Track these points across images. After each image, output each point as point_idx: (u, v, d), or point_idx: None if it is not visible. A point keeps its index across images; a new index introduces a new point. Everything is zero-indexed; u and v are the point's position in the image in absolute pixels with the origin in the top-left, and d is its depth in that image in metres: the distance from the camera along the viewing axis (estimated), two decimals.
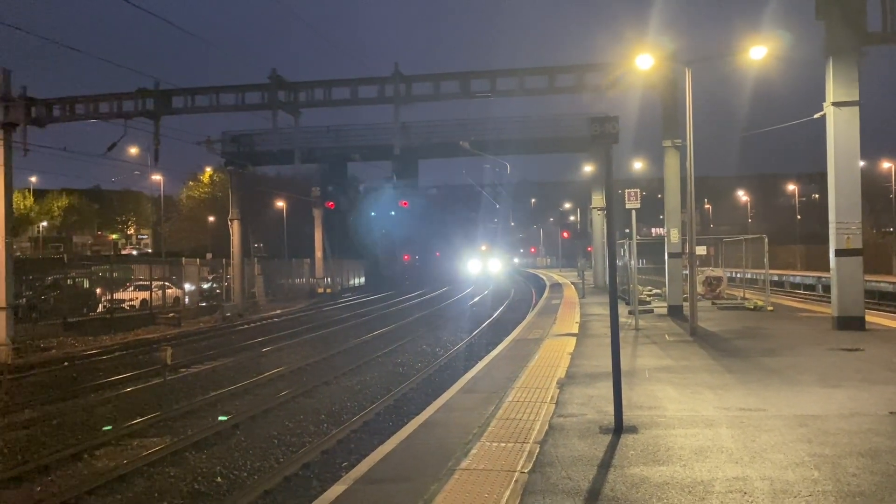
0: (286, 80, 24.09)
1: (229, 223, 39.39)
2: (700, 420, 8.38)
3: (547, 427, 8.21)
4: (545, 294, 36.57)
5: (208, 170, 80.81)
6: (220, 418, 12.69)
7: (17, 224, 26.02)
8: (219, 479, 9.65)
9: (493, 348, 16.17)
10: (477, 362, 14.16)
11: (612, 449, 7.29)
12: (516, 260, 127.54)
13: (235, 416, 12.90)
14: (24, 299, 29.43)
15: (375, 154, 40.58)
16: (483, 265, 74.72)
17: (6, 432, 12.63)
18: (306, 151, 40.00)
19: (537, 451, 7.24)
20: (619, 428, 7.93)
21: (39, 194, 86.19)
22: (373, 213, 67.41)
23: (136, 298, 35.06)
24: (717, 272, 28.96)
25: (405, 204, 56.22)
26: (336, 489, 6.36)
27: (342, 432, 11.60)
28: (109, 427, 12.18)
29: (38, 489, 9.58)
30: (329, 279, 54.81)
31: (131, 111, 24.06)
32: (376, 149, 38.97)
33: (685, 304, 20.71)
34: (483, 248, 75.63)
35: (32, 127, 24.58)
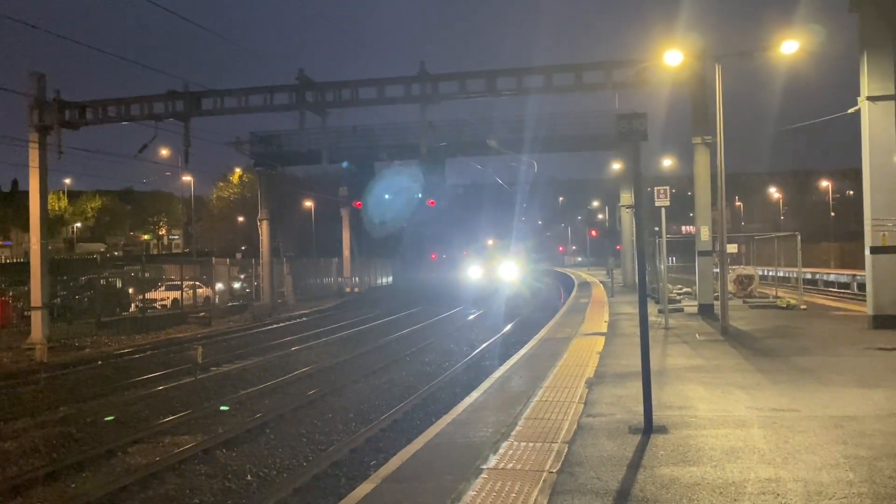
0: (313, 80, 24.22)
1: (258, 223, 39.76)
2: (731, 420, 8.26)
3: (576, 427, 8.15)
4: (573, 293, 36.37)
5: (238, 170, 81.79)
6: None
7: (51, 225, 26.59)
8: (249, 477, 9.74)
9: (522, 347, 16.11)
10: (505, 361, 14.12)
11: (641, 449, 7.21)
12: (575, 259, 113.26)
13: (265, 415, 13.02)
14: (59, 299, 30.00)
15: (402, 153, 40.68)
16: (489, 270, 48.54)
17: (42, 429, 12.87)
18: (334, 151, 40.22)
19: (566, 450, 7.19)
20: (648, 428, 7.85)
21: (73, 196, 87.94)
22: (399, 213, 67.40)
23: (168, 298, 35.56)
24: (749, 270, 28.58)
25: (433, 203, 56.29)
26: (364, 487, 6.37)
27: (370, 431, 11.65)
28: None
29: (73, 486, 9.75)
30: (357, 278, 55.06)
31: (162, 113, 24.38)
32: (403, 148, 39.07)
33: (716, 302, 20.45)
34: (490, 243, 50.07)
35: (65, 129, 25.03)
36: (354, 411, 13.45)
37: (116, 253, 77.56)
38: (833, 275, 41.36)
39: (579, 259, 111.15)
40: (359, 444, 10.95)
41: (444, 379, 16.22)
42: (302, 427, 12.34)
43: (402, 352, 20.93)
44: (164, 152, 53.21)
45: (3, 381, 17.97)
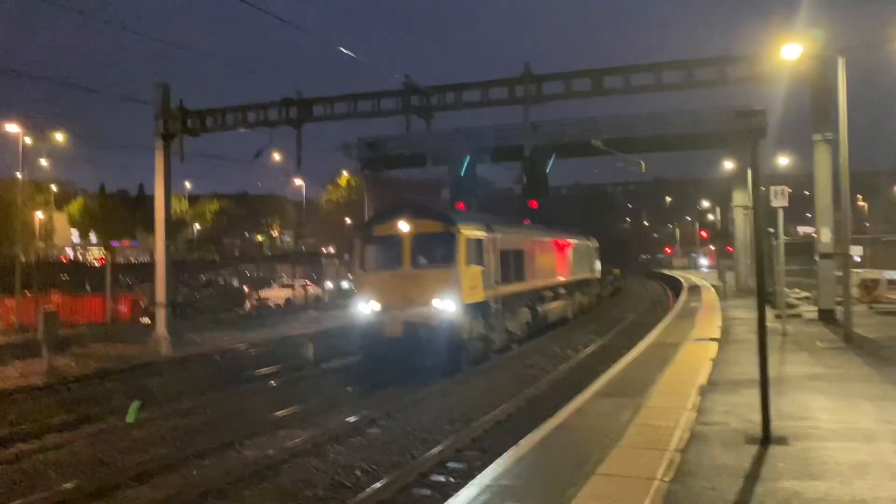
0: (419, 85, 24.55)
1: None
2: (858, 433, 7.79)
3: (688, 435, 7.91)
4: (682, 297, 35.26)
5: (345, 174, 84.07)
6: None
7: (174, 227, 28.35)
8: (358, 473, 9.98)
9: (628, 351, 15.77)
10: (611, 365, 13.86)
11: (759, 460, 6.92)
12: (703, 261, 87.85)
13: (372, 412, 13.31)
14: (180, 297, 31.75)
15: (505, 155, 40.57)
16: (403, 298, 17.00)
17: (167, 420, 13.68)
18: (437, 154, 40.67)
19: (678, 459, 6.99)
20: (766, 438, 7.52)
21: (193, 199, 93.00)
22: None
23: (280, 296, 36.97)
24: (875, 274, 26.84)
25: (534, 205, 55.91)
26: (472, 488, 6.42)
27: (475, 431, 11.70)
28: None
29: (195, 473, 10.31)
30: None
31: (275, 120, 25.34)
32: (506, 150, 38.98)
33: (838, 308, 19.32)
34: (404, 226, 17.24)
35: (187, 136, 26.45)
36: (459, 411, 13.54)
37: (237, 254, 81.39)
38: None
39: (686, 262, 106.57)
40: (464, 444, 11.03)
41: (547, 381, 16.08)
42: (408, 425, 12.53)
43: (505, 353, 20.81)
44: (277, 157, 55.32)
45: (132, 373, 19.23)
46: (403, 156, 38.93)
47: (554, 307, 26.10)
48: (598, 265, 36.51)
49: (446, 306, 16.57)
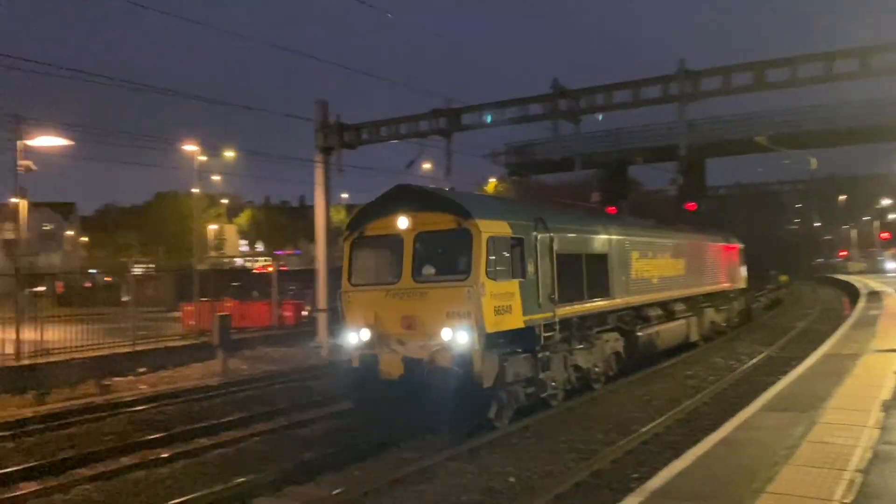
0: (567, 88, 24.25)
1: None
2: None
3: (870, 454, 7.26)
4: (860, 304, 32.50)
5: (492, 180, 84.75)
6: None
7: (333, 235, 29.80)
8: (512, 479, 9.96)
9: (798, 363, 14.73)
10: (780, 378, 13.01)
11: None
12: (892, 264, 77.01)
13: (526, 419, 13.24)
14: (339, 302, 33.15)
15: (658, 155, 39.38)
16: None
17: (329, 421, 14.34)
18: (586, 157, 40.03)
19: (859, 480, 6.43)
20: None
21: (350, 209, 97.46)
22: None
23: None
24: None
25: (692, 207, 53.72)
26: (631, 500, 6.23)
27: (631, 443, 11.37)
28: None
29: (357, 473, 10.72)
30: None
31: (426, 130, 25.96)
32: (659, 150, 37.83)
33: None
34: (403, 221, 12.42)
35: (344, 149, 27.68)
36: (614, 422, 13.20)
37: None
38: None
39: (864, 265, 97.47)
40: (619, 456, 10.74)
41: (708, 393, 15.33)
42: (561, 434, 12.37)
43: (661, 362, 20.05)
44: (427, 166, 56.77)
45: (298, 375, 20.37)
46: (551, 160, 38.70)
47: (665, 330, 19.65)
48: (742, 272, 29.37)
49: (458, 337, 11.46)
